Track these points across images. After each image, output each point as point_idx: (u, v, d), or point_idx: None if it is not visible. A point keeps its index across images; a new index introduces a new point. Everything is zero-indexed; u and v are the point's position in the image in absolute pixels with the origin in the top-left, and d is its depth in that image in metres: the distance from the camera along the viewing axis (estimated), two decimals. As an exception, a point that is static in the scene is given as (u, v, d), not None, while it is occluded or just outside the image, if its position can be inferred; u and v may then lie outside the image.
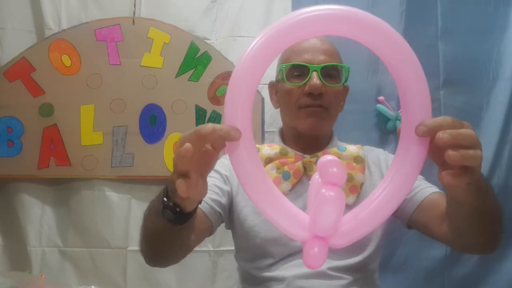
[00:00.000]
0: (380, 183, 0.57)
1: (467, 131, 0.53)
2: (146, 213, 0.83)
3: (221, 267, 1.59)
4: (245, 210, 0.98)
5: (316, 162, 0.95)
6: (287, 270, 0.94)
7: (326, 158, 0.52)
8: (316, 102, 0.95)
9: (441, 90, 1.62)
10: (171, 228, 0.72)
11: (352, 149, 1.00)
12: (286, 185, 0.96)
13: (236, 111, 0.54)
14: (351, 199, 0.94)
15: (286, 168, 0.96)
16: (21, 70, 1.64)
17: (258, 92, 1.56)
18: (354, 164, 0.97)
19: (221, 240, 1.56)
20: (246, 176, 0.54)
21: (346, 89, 1.06)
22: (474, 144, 0.52)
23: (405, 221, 0.97)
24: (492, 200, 0.72)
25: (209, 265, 1.59)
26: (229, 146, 0.54)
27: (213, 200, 0.95)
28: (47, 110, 1.64)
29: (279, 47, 0.54)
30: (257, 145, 1.00)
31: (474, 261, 1.56)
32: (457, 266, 1.56)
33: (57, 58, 1.65)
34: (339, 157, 0.95)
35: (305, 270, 0.92)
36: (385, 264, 1.52)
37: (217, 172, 1.01)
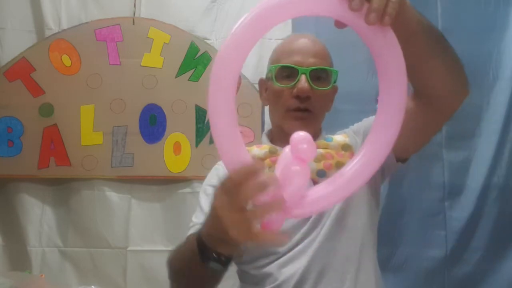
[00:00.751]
0: (354, 157, 0.59)
1: None
2: (176, 262, 0.84)
3: (221, 267, 1.59)
4: None
5: None
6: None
7: (299, 134, 0.54)
8: (303, 104, 0.96)
9: (441, 90, 1.62)
10: (216, 275, 0.73)
11: (338, 138, 1.01)
12: None
13: (221, 93, 0.55)
14: None
15: None
16: (21, 70, 1.64)
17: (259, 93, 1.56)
18: (343, 152, 0.98)
19: (221, 240, 1.56)
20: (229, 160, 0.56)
21: (334, 90, 1.06)
22: None
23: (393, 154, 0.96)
24: (441, 38, 0.78)
25: (209, 265, 1.59)
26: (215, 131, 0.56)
27: None
28: (47, 110, 1.64)
29: (262, 28, 0.56)
30: (247, 148, 1.02)
31: (474, 261, 1.56)
32: (457, 266, 1.56)
33: (57, 58, 1.65)
34: (326, 148, 0.95)
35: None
36: (385, 264, 1.52)
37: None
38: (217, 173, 1.04)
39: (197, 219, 0.95)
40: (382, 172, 0.99)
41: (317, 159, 0.94)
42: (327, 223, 0.92)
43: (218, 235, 0.62)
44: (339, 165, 0.94)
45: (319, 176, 0.92)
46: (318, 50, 0.99)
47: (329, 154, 0.96)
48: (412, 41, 0.67)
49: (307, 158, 0.53)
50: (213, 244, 0.66)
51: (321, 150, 0.95)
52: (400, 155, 0.97)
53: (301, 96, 0.94)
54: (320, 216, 0.92)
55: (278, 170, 0.56)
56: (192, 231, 0.94)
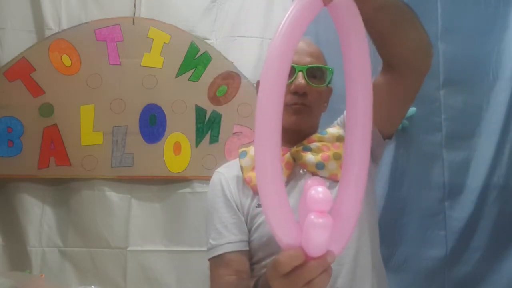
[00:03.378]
0: (338, 190, 0.63)
1: None
2: None
3: (221, 267, 1.59)
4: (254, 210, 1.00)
5: (303, 149, 0.99)
6: None
7: (313, 184, 0.56)
8: (300, 100, 0.99)
9: (441, 90, 1.62)
10: None
11: (332, 130, 1.05)
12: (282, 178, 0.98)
13: (269, 104, 0.59)
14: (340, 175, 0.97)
15: None
16: (21, 70, 1.64)
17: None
18: (338, 143, 1.02)
19: (221, 240, 1.56)
20: (265, 174, 0.58)
21: (329, 90, 1.10)
22: None
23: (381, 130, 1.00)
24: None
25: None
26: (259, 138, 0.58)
27: (243, 241, 0.97)
28: (47, 110, 1.64)
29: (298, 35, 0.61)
30: (244, 148, 1.03)
31: (474, 261, 1.56)
32: (457, 266, 1.56)
33: (57, 58, 1.65)
34: (321, 141, 0.99)
35: None
36: (385, 264, 1.52)
37: (228, 206, 1.00)
38: (220, 180, 1.04)
39: (215, 241, 0.97)
40: (371, 156, 1.01)
41: (315, 152, 0.98)
42: None
43: None
44: (336, 156, 0.99)
45: (318, 168, 0.96)
46: (314, 51, 1.04)
47: (325, 146, 1.00)
48: (380, 14, 0.72)
49: (326, 209, 0.54)
50: None
51: (318, 144, 0.99)
52: (387, 131, 1.01)
53: (298, 92, 0.98)
54: None
55: (305, 231, 0.56)
56: (215, 253, 0.96)
